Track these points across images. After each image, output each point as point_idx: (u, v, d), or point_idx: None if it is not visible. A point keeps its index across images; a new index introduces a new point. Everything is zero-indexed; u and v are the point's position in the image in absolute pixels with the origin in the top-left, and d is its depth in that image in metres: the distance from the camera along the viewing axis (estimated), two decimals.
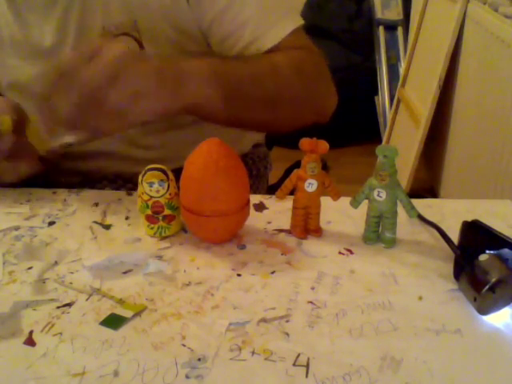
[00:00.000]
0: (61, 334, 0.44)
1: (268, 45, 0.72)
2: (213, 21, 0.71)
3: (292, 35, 0.73)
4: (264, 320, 0.46)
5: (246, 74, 0.68)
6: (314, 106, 0.75)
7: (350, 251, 0.56)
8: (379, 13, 2.51)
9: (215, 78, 0.64)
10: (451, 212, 0.62)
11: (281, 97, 0.71)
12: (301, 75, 0.72)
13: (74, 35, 0.72)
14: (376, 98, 2.51)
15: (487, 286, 0.45)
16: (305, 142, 0.54)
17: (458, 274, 0.50)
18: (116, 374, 0.41)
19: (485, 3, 1.57)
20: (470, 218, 0.52)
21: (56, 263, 0.54)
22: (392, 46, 2.49)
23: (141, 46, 0.72)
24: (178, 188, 0.56)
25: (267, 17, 0.72)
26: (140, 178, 0.56)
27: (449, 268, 0.51)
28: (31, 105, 0.75)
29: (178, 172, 0.81)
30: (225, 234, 0.57)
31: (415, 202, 0.55)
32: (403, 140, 2.05)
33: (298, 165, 0.56)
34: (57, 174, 0.84)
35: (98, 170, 0.81)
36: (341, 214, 0.61)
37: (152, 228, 0.58)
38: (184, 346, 0.43)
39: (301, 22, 0.74)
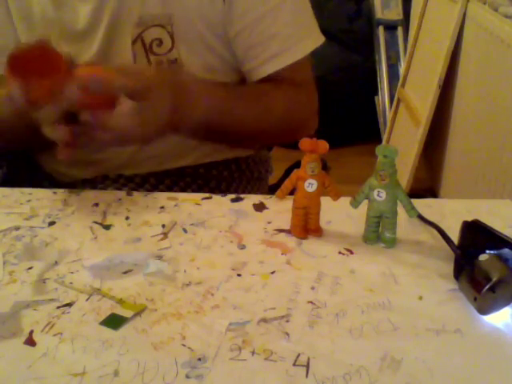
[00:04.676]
0: (61, 333, 0.44)
1: (291, 60, 0.75)
2: (244, 29, 0.73)
3: (301, 64, 0.76)
4: (264, 320, 0.46)
5: (241, 117, 0.73)
6: (292, 137, 0.80)
7: (350, 251, 0.56)
8: (379, 13, 2.51)
9: (214, 121, 0.70)
10: (451, 212, 0.62)
11: (263, 135, 0.78)
12: (290, 118, 0.78)
13: (108, 21, 0.72)
14: (376, 98, 2.51)
15: (487, 286, 0.45)
16: (305, 142, 0.54)
17: (458, 274, 0.50)
18: (116, 373, 0.41)
19: (485, 3, 1.57)
20: (470, 218, 0.52)
21: (56, 263, 0.54)
22: (392, 46, 2.49)
23: (173, 39, 0.73)
24: None
25: (296, 32, 0.75)
26: None
27: (449, 268, 0.51)
28: None
29: (180, 171, 0.82)
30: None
31: (415, 201, 0.55)
32: (403, 140, 2.05)
33: (298, 165, 0.56)
34: (62, 163, 0.84)
35: (104, 162, 0.81)
36: (341, 214, 0.61)
37: None
38: (184, 345, 0.43)
39: (322, 39, 0.78)
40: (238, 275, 0.52)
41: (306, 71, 0.79)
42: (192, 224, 0.60)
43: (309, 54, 0.77)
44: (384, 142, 2.30)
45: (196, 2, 0.71)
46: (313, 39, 0.76)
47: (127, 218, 0.62)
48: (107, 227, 0.60)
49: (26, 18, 0.74)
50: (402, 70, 2.28)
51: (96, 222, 0.61)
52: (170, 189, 0.81)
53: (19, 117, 0.70)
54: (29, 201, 0.66)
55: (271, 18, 0.72)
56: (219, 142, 0.78)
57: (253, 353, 0.42)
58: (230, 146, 0.82)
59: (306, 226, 0.58)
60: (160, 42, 0.73)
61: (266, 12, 0.72)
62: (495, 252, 0.48)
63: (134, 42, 0.73)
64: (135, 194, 0.67)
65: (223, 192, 0.70)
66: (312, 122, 0.83)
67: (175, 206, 0.64)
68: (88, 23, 0.72)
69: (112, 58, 0.74)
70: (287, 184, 0.56)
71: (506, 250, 0.48)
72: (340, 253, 0.55)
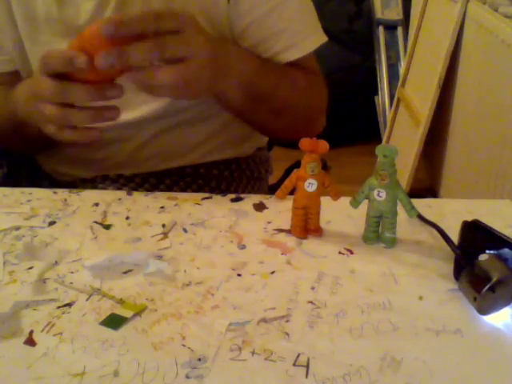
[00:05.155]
0: (61, 333, 0.45)
1: (296, 56, 0.75)
2: (250, 25, 0.73)
3: (313, 55, 0.77)
4: (264, 320, 0.46)
5: (273, 83, 0.72)
6: (309, 125, 0.81)
7: (350, 251, 0.56)
8: (379, 13, 2.51)
9: (251, 79, 0.68)
10: (451, 212, 0.62)
11: (288, 109, 0.76)
12: (309, 97, 0.77)
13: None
14: (376, 98, 2.51)
15: (487, 286, 0.45)
16: (305, 142, 0.54)
17: (457, 274, 0.50)
18: (116, 373, 0.41)
19: (485, 3, 1.57)
20: (470, 218, 0.52)
21: (56, 263, 0.54)
22: (392, 45, 2.49)
23: None
24: None
25: (301, 28, 0.75)
26: None
27: (449, 268, 0.51)
28: None
29: (180, 171, 0.82)
30: None
31: (415, 201, 0.55)
32: (403, 140, 2.05)
33: (298, 165, 0.56)
34: (61, 163, 0.84)
35: (104, 160, 0.81)
36: (341, 214, 0.61)
37: None
38: (184, 346, 0.43)
39: (325, 38, 0.78)
40: (238, 275, 0.52)
41: (314, 63, 0.80)
42: (192, 224, 0.60)
43: (313, 52, 0.77)
44: (384, 141, 2.30)
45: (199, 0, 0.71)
46: (318, 36, 0.77)
47: (127, 218, 0.62)
48: (107, 227, 0.60)
49: (29, 19, 0.74)
50: (401, 69, 2.28)
51: (96, 222, 0.61)
52: (170, 189, 0.81)
53: (7, 118, 0.70)
54: (29, 201, 0.66)
55: (277, 14, 0.73)
56: (251, 114, 0.75)
57: (253, 353, 0.42)
58: (257, 124, 0.81)
59: (306, 226, 0.58)
60: None
61: (272, 8, 0.72)
62: (495, 252, 0.48)
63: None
64: (135, 193, 0.67)
65: (223, 192, 0.70)
66: (323, 113, 0.83)
67: (175, 205, 0.64)
68: (90, 19, 0.72)
69: None
70: (287, 184, 0.56)
71: (505, 250, 0.48)
72: (340, 253, 0.55)
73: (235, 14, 0.72)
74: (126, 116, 0.77)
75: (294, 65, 0.75)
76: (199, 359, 0.42)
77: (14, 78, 0.78)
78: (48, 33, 0.74)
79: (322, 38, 0.77)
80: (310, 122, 0.81)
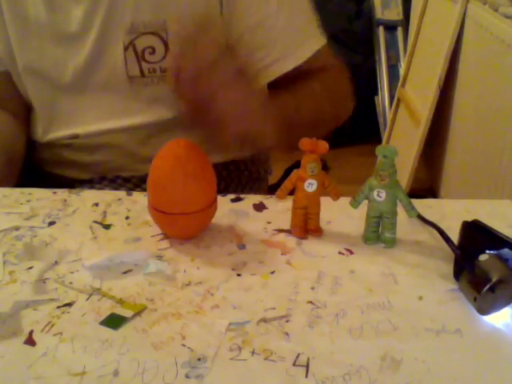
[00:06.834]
0: (61, 333, 0.44)
1: (292, 65, 0.74)
2: (243, 34, 0.72)
3: (320, 53, 0.75)
4: (264, 320, 0.46)
5: (292, 104, 0.70)
6: (339, 121, 0.80)
7: (350, 251, 0.56)
8: (379, 13, 2.51)
9: (274, 110, 0.64)
10: (451, 212, 0.62)
11: (318, 120, 0.74)
12: (332, 98, 0.76)
13: (100, 25, 0.72)
14: (376, 98, 2.51)
15: (487, 286, 0.45)
16: (305, 142, 0.54)
17: (457, 274, 0.50)
18: (116, 373, 0.41)
19: (485, 3, 1.57)
20: (469, 218, 0.52)
21: (56, 263, 0.54)
22: (392, 46, 2.49)
23: (166, 47, 0.72)
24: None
25: (296, 35, 0.75)
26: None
27: (449, 268, 0.51)
28: (47, 91, 0.75)
29: None
30: (193, 230, 0.57)
31: (415, 201, 0.55)
32: (403, 140, 2.05)
33: (297, 165, 0.56)
34: (59, 165, 0.84)
35: (101, 164, 0.81)
36: (341, 214, 0.61)
37: None
38: (184, 345, 0.43)
39: (324, 41, 0.77)
40: (238, 275, 0.52)
41: (328, 58, 0.79)
42: None
43: (325, 46, 0.76)
44: (384, 142, 2.30)
45: (190, 8, 0.71)
46: (314, 42, 0.76)
47: (127, 218, 0.62)
48: (107, 227, 0.60)
49: (20, 22, 0.74)
50: (401, 70, 2.28)
51: (96, 222, 0.61)
52: None
53: None
54: (29, 201, 0.65)
55: (270, 21, 0.72)
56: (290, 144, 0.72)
57: (253, 353, 0.42)
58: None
59: (306, 226, 0.58)
60: (152, 50, 0.73)
61: (266, 16, 0.72)
62: (495, 252, 0.48)
63: (125, 49, 0.73)
64: (135, 193, 0.67)
65: (222, 192, 0.70)
66: (350, 101, 0.82)
67: None
68: (80, 25, 0.72)
69: (103, 64, 0.74)
70: (287, 184, 0.56)
71: (505, 250, 0.48)
72: (340, 253, 0.55)
73: (230, 22, 0.72)
74: (121, 123, 0.77)
75: (303, 71, 0.75)
76: (199, 359, 0.42)
77: (4, 77, 0.78)
78: (37, 38, 0.74)
79: (318, 43, 0.76)
80: (340, 116, 0.80)
